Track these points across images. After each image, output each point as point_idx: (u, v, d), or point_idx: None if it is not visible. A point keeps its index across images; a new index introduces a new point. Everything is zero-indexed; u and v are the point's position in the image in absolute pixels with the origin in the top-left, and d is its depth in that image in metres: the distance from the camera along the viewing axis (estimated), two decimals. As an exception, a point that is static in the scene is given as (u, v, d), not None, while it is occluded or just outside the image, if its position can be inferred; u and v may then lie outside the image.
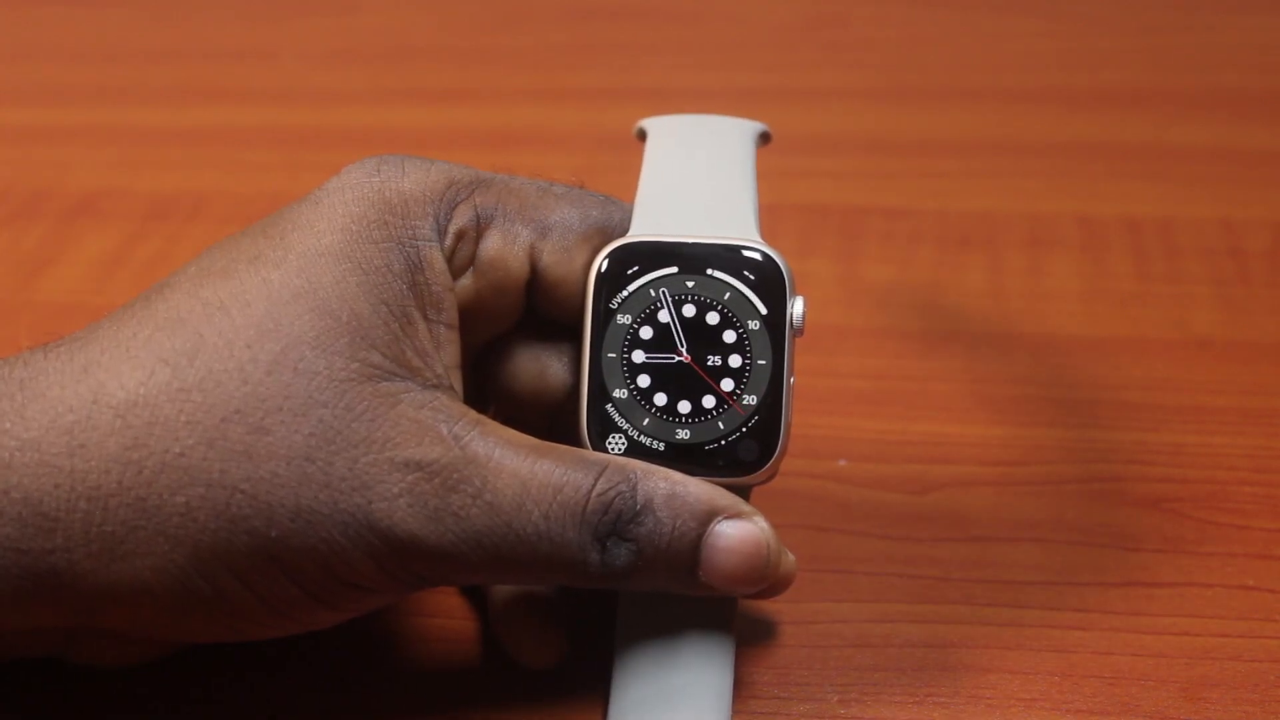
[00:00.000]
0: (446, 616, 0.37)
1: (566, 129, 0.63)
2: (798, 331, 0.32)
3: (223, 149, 0.63)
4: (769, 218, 0.35)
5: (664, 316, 0.33)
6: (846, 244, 0.54)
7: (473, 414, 0.31)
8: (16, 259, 0.55)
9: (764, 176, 0.35)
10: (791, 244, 0.53)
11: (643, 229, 0.33)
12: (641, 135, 0.37)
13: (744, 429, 0.32)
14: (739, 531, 0.31)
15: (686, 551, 0.31)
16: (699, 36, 0.72)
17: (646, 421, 0.32)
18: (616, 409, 0.33)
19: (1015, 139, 0.60)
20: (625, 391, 0.32)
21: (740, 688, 0.34)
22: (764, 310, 0.32)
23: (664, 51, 0.70)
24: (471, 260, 0.33)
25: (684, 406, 0.32)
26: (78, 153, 0.63)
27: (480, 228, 0.33)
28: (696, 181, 0.35)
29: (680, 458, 0.32)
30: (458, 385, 0.32)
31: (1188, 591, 0.37)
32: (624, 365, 0.33)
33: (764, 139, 0.37)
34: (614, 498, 0.30)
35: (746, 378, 0.32)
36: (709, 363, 0.32)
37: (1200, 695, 0.34)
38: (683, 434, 0.32)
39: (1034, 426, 0.43)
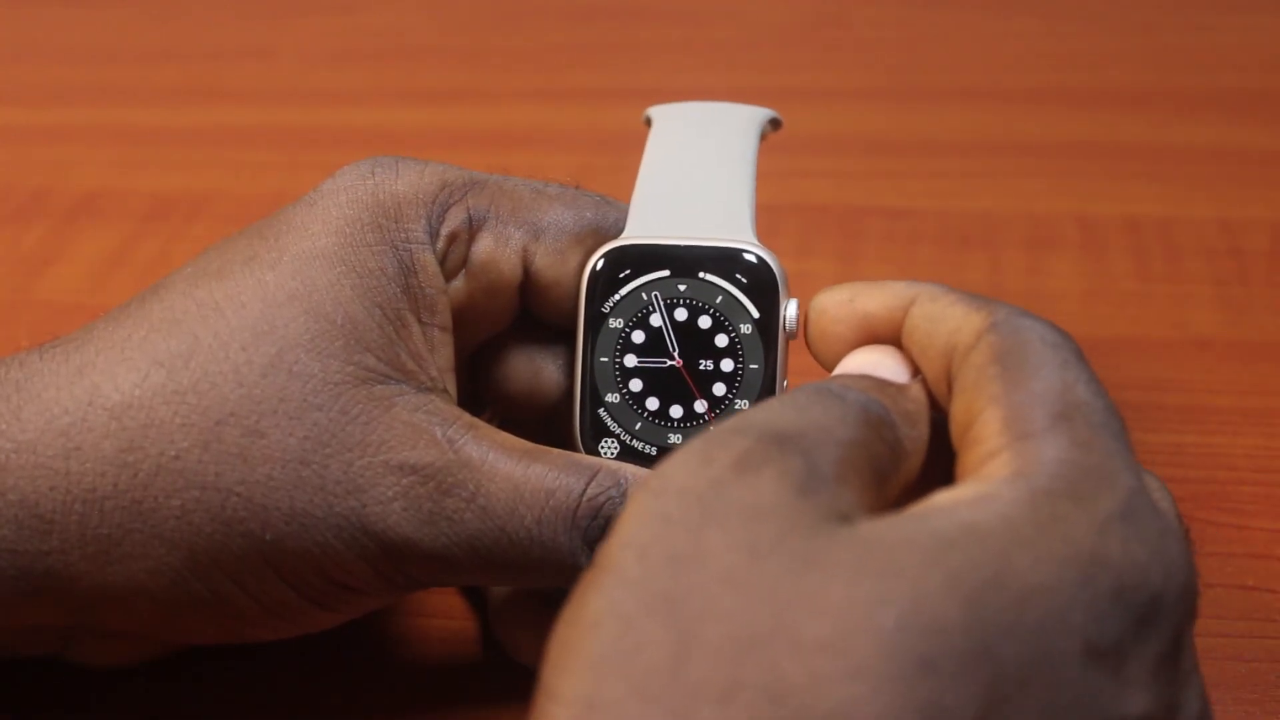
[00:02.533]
0: (446, 617, 0.37)
1: (566, 129, 0.63)
2: (791, 334, 0.32)
3: (223, 149, 0.63)
4: (769, 218, 0.35)
5: (656, 320, 0.33)
6: (846, 244, 0.53)
7: (466, 417, 0.31)
8: (16, 259, 0.55)
9: (764, 176, 0.35)
10: (791, 244, 0.53)
11: (637, 230, 0.33)
12: (649, 123, 0.37)
13: None
14: None
15: None
16: (699, 36, 0.72)
17: (639, 426, 0.32)
18: (609, 413, 0.33)
19: (1015, 139, 0.60)
20: (617, 396, 0.32)
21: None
22: (756, 314, 0.32)
23: (664, 51, 0.70)
24: (464, 262, 0.33)
25: (676, 411, 0.32)
26: (78, 153, 0.63)
27: (473, 230, 0.33)
28: (694, 179, 0.34)
29: None
30: (451, 388, 0.32)
31: (1187, 592, 0.37)
32: (616, 370, 0.33)
33: (773, 125, 0.37)
34: (604, 502, 0.30)
35: (739, 382, 0.32)
36: (701, 367, 0.32)
37: (1199, 696, 0.34)
38: (675, 439, 0.32)
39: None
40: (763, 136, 0.36)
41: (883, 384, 0.28)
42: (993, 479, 0.24)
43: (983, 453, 0.25)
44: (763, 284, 0.32)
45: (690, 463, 0.24)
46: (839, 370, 0.30)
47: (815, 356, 0.31)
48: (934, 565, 0.22)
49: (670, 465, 0.24)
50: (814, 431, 0.25)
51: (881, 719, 0.20)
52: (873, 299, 0.30)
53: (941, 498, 0.24)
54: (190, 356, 0.29)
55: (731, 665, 0.21)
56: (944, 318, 0.28)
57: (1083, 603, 0.22)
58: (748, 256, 0.33)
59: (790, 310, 0.32)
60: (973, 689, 0.21)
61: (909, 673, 0.21)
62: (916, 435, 0.27)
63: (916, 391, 0.28)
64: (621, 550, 0.23)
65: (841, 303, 0.30)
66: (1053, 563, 0.22)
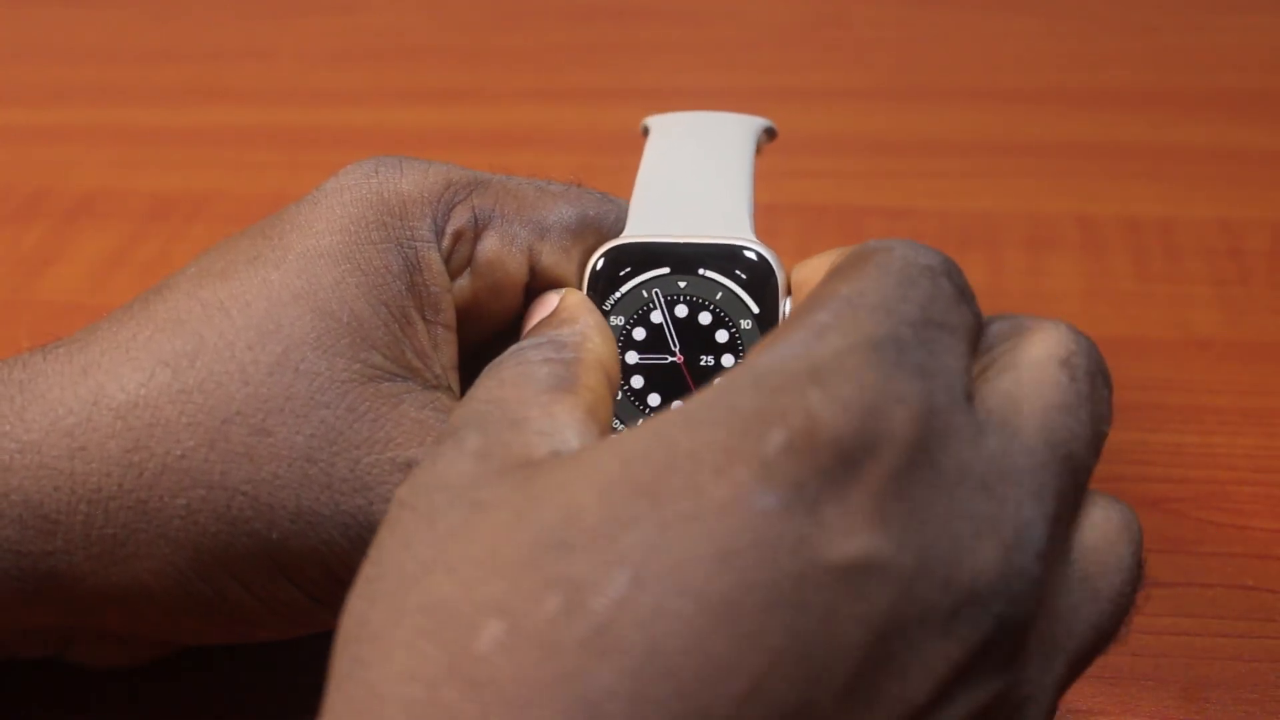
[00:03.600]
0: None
1: (566, 129, 0.63)
2: (792, 331, 0.32)
3: (223, 149, 0.63)
4: (769, 218, 0.35)
5: (657, 318, 0.33)
6: (846, 244, 0.53)
7: (470, 415, 0.31)
8: (16, 259, 0.55)
9: (764, 176, 0.35)
10: (791, 244, 0.53)
11: (636, 229, 0.33)
12: (646, 132, 0.37)
13: None
14: None
15: None
16: (699, 36, 0.72)
17: (641, 423, 0.32)
18: None
19: (1015, 139, 0.60)
20: (619, 393, 0.32)
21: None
22: (756, 310, 0.32)
23: (664, 51, 0.70)
24: (469, 261, 0.33)
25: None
26: (78, 153, 0.63)
27: (478, 229, 0.33)
28: (692, 179, 0.35)
29: None
30: (456, 386, 0.32)
31: (1188, 591, 0.37)
32: None
33: (769, 135, 0.37)
34: None
35: None
36: (702, 363, 0.32)
37: (1200, 695, 0.34)
38: None
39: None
40: (759, 146, 0.36)
41: (543, 323, 0.31)
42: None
43: None
44: (762, 280, 0.32)
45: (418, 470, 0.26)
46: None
47: None
48: (578, 467, 0.23)
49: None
50: (496, 408, 0.26)
51: (525, 605, 0.21)
52: (807, 266, 0.31)
53: None
54: (196, 356, 0.29)
55: (397, 597, 0.23)
56: (828, 264, 0.29)
57: (745, 454, 0.22)
58: (747, 253, 0.33)
59: (789, 306, 0.32)
60: (610, 555, 0.21)
61: (543, 560, 0.22)
62: (583, 331, 0.30)
63: (565, 302, 0.31)
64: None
65: (795, 278, 0.32)
66: (705, 426, 0.22)
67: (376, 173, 0.32)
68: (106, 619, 0.30)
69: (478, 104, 0.66)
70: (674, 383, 0.32)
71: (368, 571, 0.24)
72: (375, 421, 0.30)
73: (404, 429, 0.30)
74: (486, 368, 0.28)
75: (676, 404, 0.24)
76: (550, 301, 0.32)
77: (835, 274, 0.26)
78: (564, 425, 0.26)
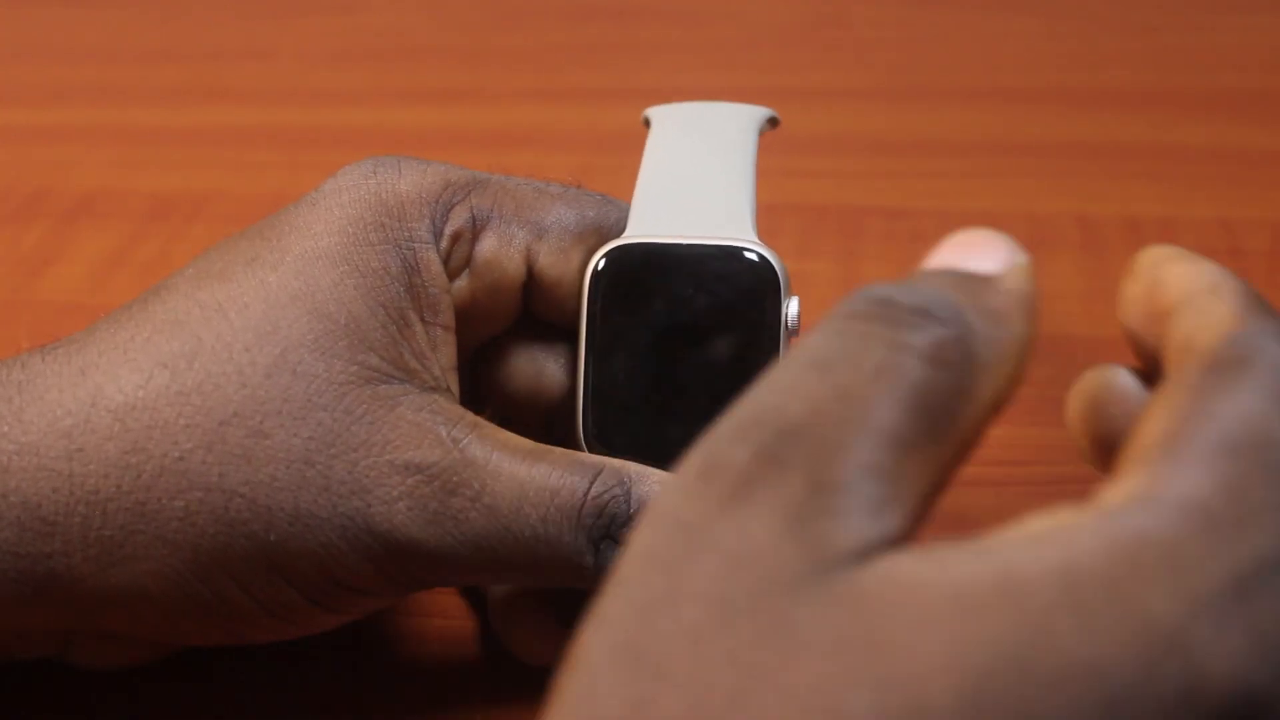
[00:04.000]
0: (446, 617, 0.37)
1: (566, 129, 0.63)
2: (793, 332, 0.32)
3: (223, 149, 0.63)
4: (769, 218, 0.35)
5: (658, 320, 0.33)
6: (846, 244, 0.53)
7: (470, 416, 0.31)
8: (16, 259, 0.55)
9: (764, 176, 0.35)
10: (791, 244, 0.53)
11: (638, 229, 0.33)
12: (647, 124, 0.37)
13: None
14: None
15: None
16: (699, 36, 0.72)
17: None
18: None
19: (1015, 139, 0.60)
20: (620, 395, 0.32)
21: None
22: (758, 313, 0.32)
23: (664, 51, 0.70)
24: (467, 262, 0.33)
25: (678, 410, 0.32)
26: (78, 153, 0.63)
27: (476, 229, 0.33)
28: (693, 178, 0.35)
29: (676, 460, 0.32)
30: (454, 387, 0.32)
31: (1187, 592, 0.37)
32: (618, 368, 0.33)
33: (771, 124, 0.37)
34: (608, 500, 0.30)
35: (741, 380, 0.32)
36: (703, 367, 0.32)
37: (1199, 696, 0.34)
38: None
39: (1034, 426, 0.43)
40: (760, 135, 0.36)
41: (964, 279, 0.22)
42: (1090, 509, 0.19)
43: (1120, 469, 0.21)
44: (764, 282, 0.32)
45: (686, 483, 0.20)
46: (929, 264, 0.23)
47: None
48: (936, 634, 0.18)
49: (669, 486, 0.21)
50: (835, 417, 0.20)
51: None
52: (1176, 267, 0.25)
53: (1020, 528, 0.20)
54: (194, 358, 0.29)
55: (707, 711, 0.18)
56: (1201, 306, 0.23)
57: (1137, 698, 0.17)
58: (749, 255, 0.33)
59: (791, 308, 0.32)
60: None
61: None
62: (1000, 336, 0.22)
63: (1013, 281, 0.23)
64: (610, 587, 0.20)
65: (1151, 264, 0.26)
66: (1106, 636, 0.17)
67: (374, 173, 0.32)
68: (105, 620, 0.30)
69: (478, 104, 0.66)
70: (675, 387, 0.32)
71: (608, 611, 0.20)
72: (372, 424, 0.30)
73: (401, 431, 0.30)
74: (836, 307, 0.21)
75: (1070, 535, 0.19)
76: (995, 246, 0.23)
77: (1218, 394, 0.21)
78: (894, 517, 0.20)
